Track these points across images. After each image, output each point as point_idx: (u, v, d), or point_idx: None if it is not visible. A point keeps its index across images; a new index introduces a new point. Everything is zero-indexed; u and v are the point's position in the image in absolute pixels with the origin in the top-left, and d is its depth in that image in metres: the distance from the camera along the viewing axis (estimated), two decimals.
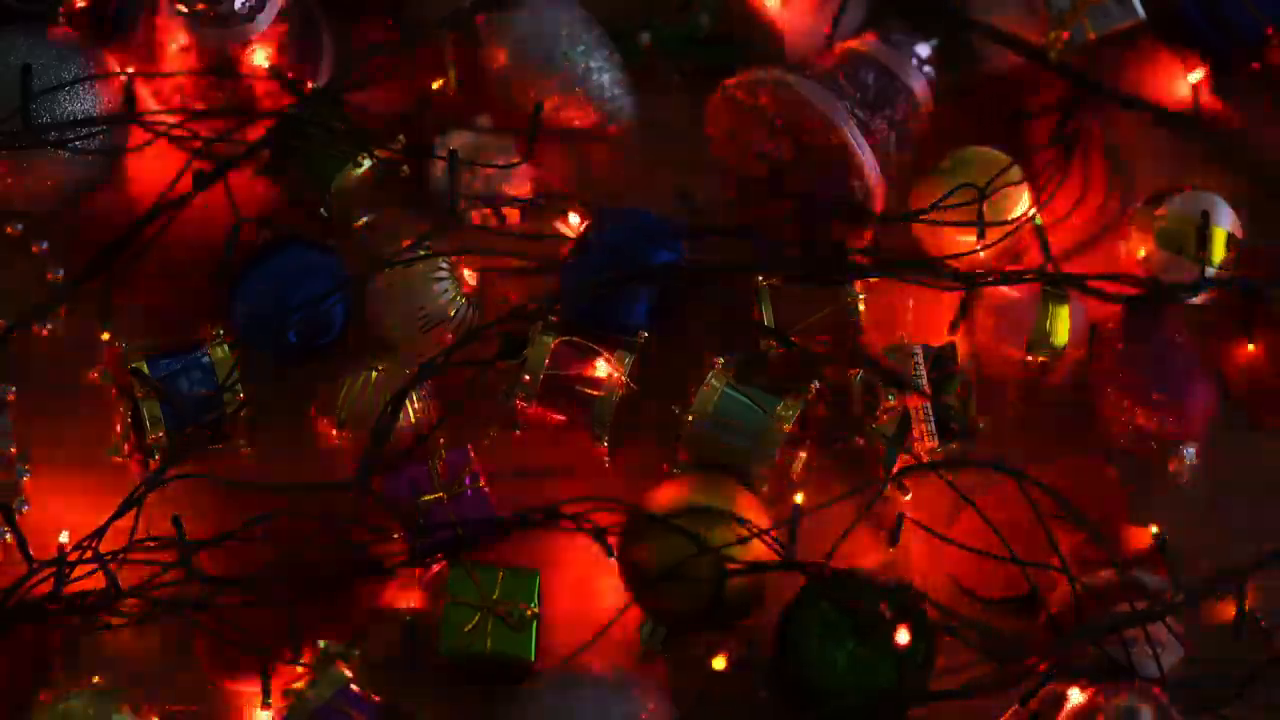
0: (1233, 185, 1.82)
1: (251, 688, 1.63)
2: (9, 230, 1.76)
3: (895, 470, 1.68)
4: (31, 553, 1.60)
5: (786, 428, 1.66)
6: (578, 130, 1.81)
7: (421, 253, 1.71)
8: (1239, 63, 1.84)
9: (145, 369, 1.66)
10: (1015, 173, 1.76)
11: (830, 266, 1.71)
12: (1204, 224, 1.74)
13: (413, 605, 1.65)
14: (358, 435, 1.67)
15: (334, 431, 1.68)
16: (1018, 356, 1.73)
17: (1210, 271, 1.74)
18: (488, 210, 1.76)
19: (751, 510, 1.64)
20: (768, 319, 1.71)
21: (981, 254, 1.74)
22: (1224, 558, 1.69)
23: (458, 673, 1.66)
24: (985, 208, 1.74)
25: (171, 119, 1.76)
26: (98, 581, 1.59)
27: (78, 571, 1.59)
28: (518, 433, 1.70)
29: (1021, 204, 1.76)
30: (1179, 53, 1.86)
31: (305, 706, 1.59)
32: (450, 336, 1.71)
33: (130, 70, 1.76)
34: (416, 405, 1.67)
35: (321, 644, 1.61)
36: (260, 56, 1.76)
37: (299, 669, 1.62)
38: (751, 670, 1.64)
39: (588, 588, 1.68)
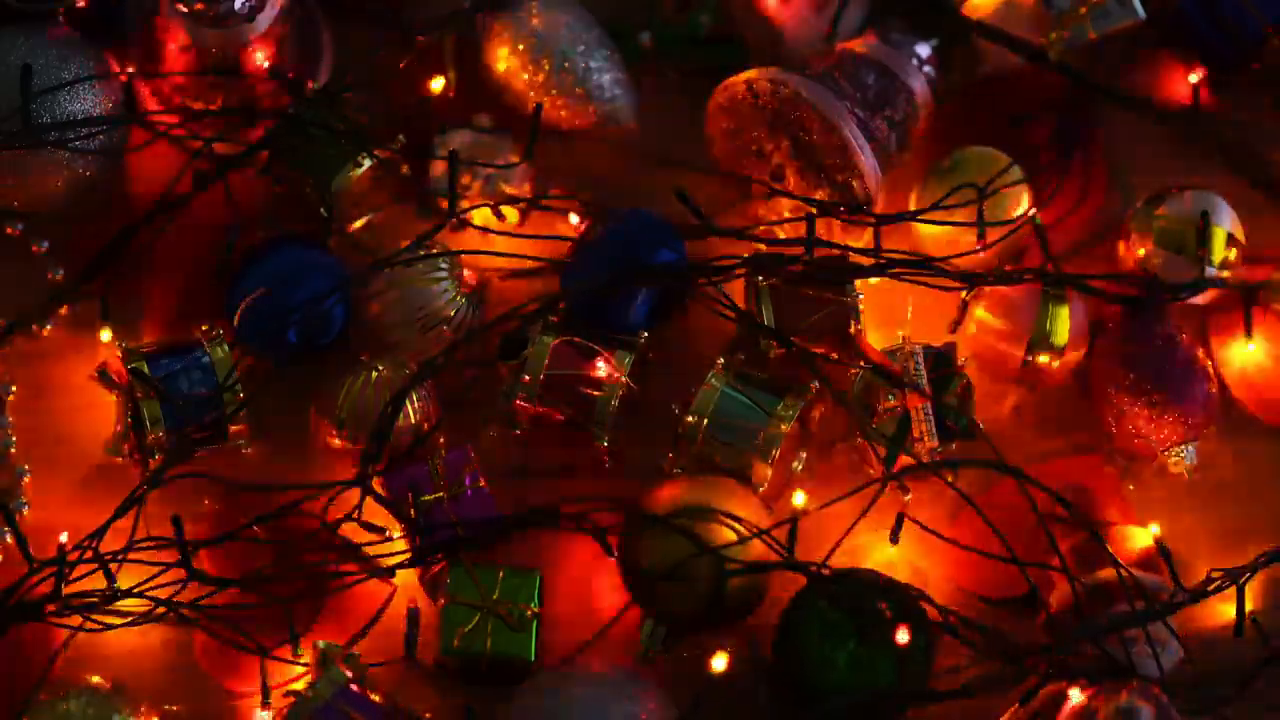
0: (1233, 185, 1.82)
1: (251, 688, 1.62)
2: (9, 230, 1.76)
3: (895, 470, 1.68)
4: (31, 553, 1.60)
5: (786, 428, 1.66)
6: (578, 130, 1.81)
7: (421, 253, 1.71)
8: (1239, 63, 1.84)
9: (145, 369, 1.66)
10: (1015, 173, 1.76)
11: (830, 266, 1.71)
12: (1204, 224, 1.74)
13: (413, 604, 1.65)
14: (358, 435, 1.67)
15: (334, 431, 1.68)
16: (1018, 356, 1.73)
17: (1210, 271, 1.75)
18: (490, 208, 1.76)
19: (751, 510, 1.64)
20: (768, 319, 1.71)
21: (981, 254, 1.74)
22: (1224, 558, 1.69)
23: (458, 673, 1.65)
24: (985, 207, 1.74)
25: (171, 119, 1.76)
26: (98, 581, 1.59)
27: (78, 571, 1.59)
28: (518, 433, 1.70)
29: (1021, 204, 1.77)
30: (1179, 53, 1.86)
31: (305, 706, 1.59)
32: (450, 336, 1.71)
33: (130, 70, 1.76)
34: (416, 405, 1.67)
35: (321, 644, 1.61)
36: (260, 56, 1.76)
37: (299, 669, 1.62)
38: (752, 670, 1.64)
39: (588, 588, 1.68)
